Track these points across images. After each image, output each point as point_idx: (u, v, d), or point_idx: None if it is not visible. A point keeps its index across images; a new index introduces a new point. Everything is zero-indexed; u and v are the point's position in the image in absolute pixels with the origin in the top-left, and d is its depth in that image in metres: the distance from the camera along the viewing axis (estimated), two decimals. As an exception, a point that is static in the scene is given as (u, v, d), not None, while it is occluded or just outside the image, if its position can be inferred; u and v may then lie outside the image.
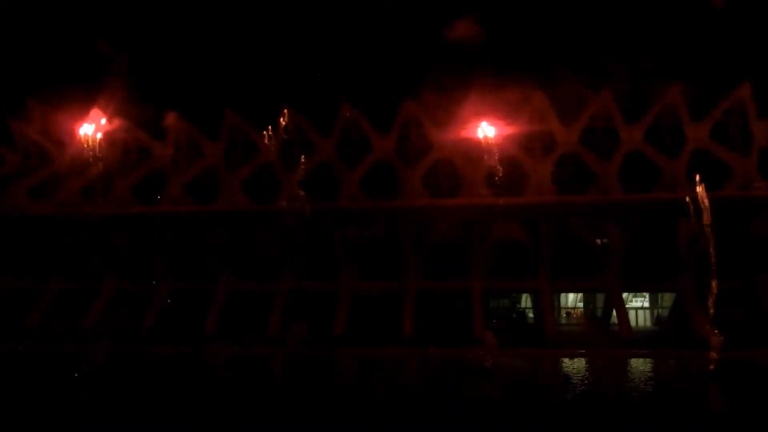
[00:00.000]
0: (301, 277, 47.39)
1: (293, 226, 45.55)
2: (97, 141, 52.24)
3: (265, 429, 20.57)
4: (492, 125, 47.78)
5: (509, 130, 48.47)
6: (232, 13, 60.91)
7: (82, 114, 51.14)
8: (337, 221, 47.48)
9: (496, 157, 48.26)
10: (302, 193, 47.36)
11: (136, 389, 26.74)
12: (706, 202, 42.72)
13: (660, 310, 50.50)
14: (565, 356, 37.94)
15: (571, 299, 52.71)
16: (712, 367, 33.47)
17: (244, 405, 23.39)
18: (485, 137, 47.55)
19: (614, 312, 45.46)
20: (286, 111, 49.55)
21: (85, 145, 52.21)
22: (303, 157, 49.87)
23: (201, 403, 24.05)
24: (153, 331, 45.99)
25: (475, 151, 48.76)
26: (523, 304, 51.23)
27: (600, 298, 49.43)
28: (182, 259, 49.45)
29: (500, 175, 47.83)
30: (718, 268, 42.94)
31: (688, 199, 44.15)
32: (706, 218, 43.08)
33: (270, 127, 50.72)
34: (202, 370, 35.60)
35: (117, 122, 51.43)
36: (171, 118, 51.98)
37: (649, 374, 33.49)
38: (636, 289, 49.25)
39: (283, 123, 50.32)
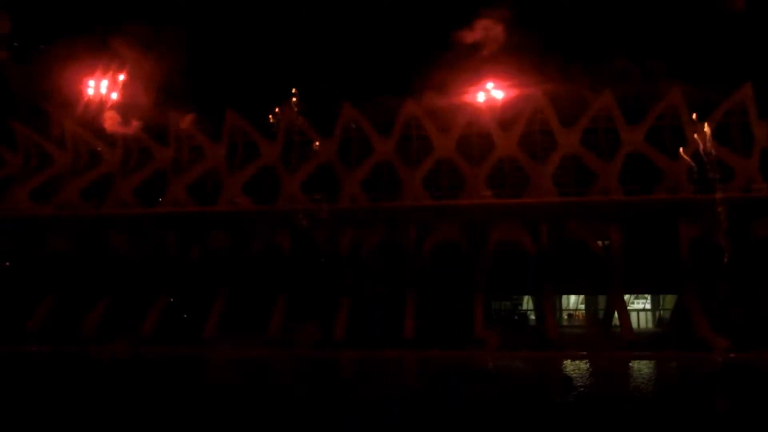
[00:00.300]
0: (303, 278, 47.36)
1: (304, 228, 45.68)
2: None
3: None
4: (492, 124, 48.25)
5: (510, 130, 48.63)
6: (236, 14, 60.75)
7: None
8: (340, 222, 47.43)
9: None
10: (317, 195, 47.60)
11: (137, 392, 26.72)
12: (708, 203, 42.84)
13: (662, 312, 50.44)
14: (567, 358, 37.91)
15: (573, 301, 52.63)
16: (713, 368, 33.46)
17: (247, 407, 23.34)
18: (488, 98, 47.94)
19: (616, 314, 45.37)
20: (289, 111, 49.64)
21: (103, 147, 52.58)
22: (310, 154, 50.05)
23: (204, 405, 24.01)
24: (154, 333, 45.95)
25: (476, 152, 48.88)
26: (524, 306, 51.16)
27: (602, 300, 49.34)
28: (184, 261, 49.47)
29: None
30: (720, 270, 42.99)
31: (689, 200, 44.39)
32: (708, 220, 43.18)
33: (272, 127, 50.91)
34: (205, 372, 35.57)
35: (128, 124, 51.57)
36: (174, 119, 52.03)
37: (651, 376, 33.40)
38: (637, 291, 49.18)
39: (286, 123, 50.35)
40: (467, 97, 48.75)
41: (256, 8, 59.86)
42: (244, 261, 48.66)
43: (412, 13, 57.68)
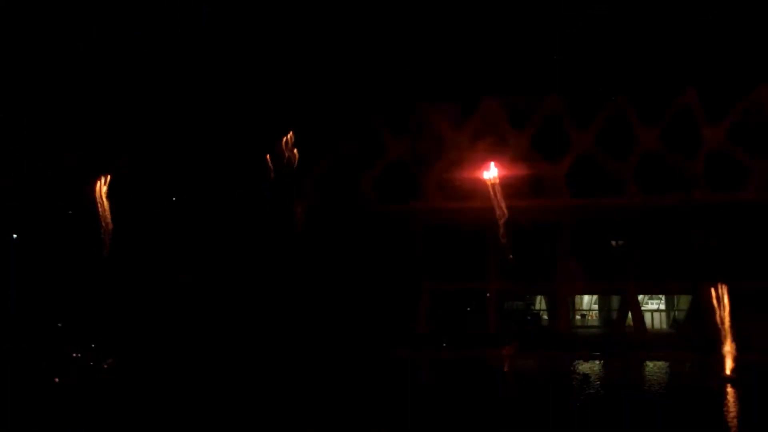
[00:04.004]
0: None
1: None
2: None
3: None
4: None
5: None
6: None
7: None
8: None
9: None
10: None
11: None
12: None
13: (676, 313, 50.11)
14: (580, 359, 37.99)
15: (586, 301, 52.44)
16: (727, 369, 33.38)
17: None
18: None
19: (630, 314, 45.27)
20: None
21: None
22: None
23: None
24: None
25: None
26: (537, 306, 51.04)
27: (615, 300, 49.16)
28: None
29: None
30: (736, 270, 42.82)
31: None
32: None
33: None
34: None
35: None
36: None
37: (664, 377, 33.42)
38: (652, 291, 48.97)
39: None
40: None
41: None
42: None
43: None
